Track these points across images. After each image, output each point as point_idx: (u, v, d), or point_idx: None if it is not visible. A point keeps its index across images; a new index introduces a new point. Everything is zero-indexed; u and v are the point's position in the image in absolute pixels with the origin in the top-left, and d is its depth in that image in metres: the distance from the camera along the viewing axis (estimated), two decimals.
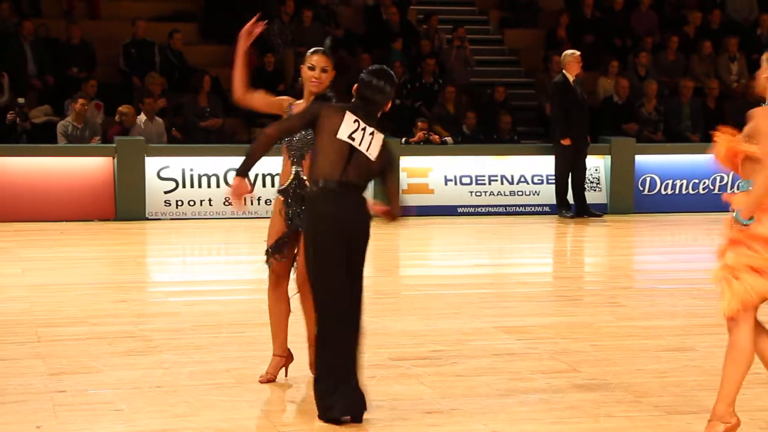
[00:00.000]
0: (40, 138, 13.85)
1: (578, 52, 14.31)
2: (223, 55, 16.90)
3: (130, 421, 5.32)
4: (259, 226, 13.10)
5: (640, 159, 14.99)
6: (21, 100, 14.27)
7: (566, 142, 14.07)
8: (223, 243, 12.13)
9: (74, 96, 13.95)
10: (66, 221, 12.67)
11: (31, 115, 14.41)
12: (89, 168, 13.25)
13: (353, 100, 5.56)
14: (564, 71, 14.21)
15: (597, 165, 14.93)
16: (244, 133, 15.21)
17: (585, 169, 14.34)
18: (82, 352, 6.63)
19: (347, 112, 5.48)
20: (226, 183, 13.70)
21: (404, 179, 14.34)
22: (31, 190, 13.06)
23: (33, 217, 12.85)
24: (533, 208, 14.61)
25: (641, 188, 15.02)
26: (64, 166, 13.20)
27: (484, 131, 15.63)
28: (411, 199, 14.30)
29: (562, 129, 14.09)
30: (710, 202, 15.04)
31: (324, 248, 5.31)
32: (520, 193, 14.68)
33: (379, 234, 12.88)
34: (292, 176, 6.06)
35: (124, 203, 13.12)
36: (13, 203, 12.96)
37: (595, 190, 14.89)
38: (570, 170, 14.23)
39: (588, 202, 14.51)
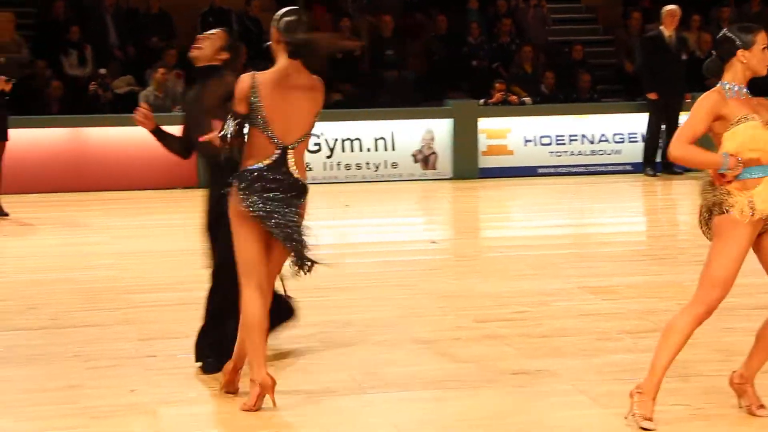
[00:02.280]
0: (122, 108, 14.03)
1: (674, 6, 14.06)
2: None
3: (219, 385, 5.40)
4: (338, 191, 13.19)
5: None
6: (103, 71, 14.47)
7: (652, 96, 13.86)
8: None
9: (155, 66, 14.10)
10: (149, 189, 12.86)
11: (113, 85, 14.61)
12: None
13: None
14: (661, 26, 14.03)
15: (681, 122, 14.69)
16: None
17: (677, 126, 14.12)
18: (170, 318, 6.74)
19: None
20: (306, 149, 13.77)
21: (483, 141, 14.28)
22: (115, 159, 13.26)
23: (117, 186, 13.06)
24: (615, 167, 14.45)
25: None
26: (146, 136, 13.34)
27: (563, 90, 15.47)
28: (490, 161, 14.25)
29: (648, 83, 13.91)
30: None
31: None
32: (601, 152, 14.52)
33: (459, 196, 12.97)
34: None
35: None
36: (98, 173, 13.18)
37: None
38: (660, 126, 14.01)
39: None
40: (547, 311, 6.87)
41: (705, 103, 4.66)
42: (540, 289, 7.52)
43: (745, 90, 4.76)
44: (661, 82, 13.82)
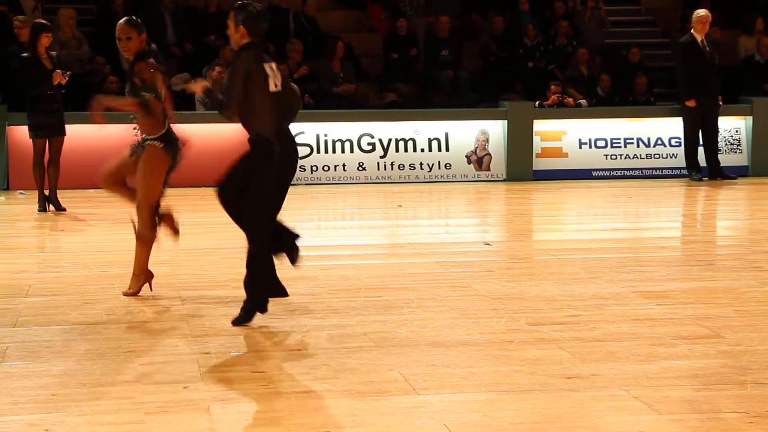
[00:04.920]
0: (180, 105, 14.14)
1: (705, 12, 13.95)
2: (356, 20, 17.00)
3: (272, 383, 5.42)
4: (391, 191, 13.19)
5: None
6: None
7: (691, 103, 13.77)
8: (357, 207, 12.23)
9: (212, 63, 14.19)
10: (203, 186, 12.93)
11: (171, 82, 14.72)
12: (225, 134, 13.50)
13: (245, 43, 6.38)
14: (692, 31, 13.90)
15: (737, 126, 14.53)
16: (376, 99, 15.28)
17: (717, 130, 13.98)
18: (224, 315, 6.77)
19: (264, 62, 6.32)
20: (360, 149, 13.83)
21: (538, 143, 14.22)
22: None
23: (173, 183, 13.13)
24: (670, 171, 14.33)
25: None
26: (202, 133, 13.47)
27: (619, 93, 15.36)
28: (545, 163, 14.18)
29: (687, 90, 13.79)
30: None
31: (276, 184, 6.45)
32: (656, 155, 14.40)
33: (513, 198, 12.92)
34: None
35: None
36: None
37: (735, 152, 14.51)
38: (699, 132, 13.91)
39: (728, 164, 14.15)
40: (601, 315, 6.82)
41: None
42: (594, 292, 7.47)
43: None
44: (697, 88, 13.70)
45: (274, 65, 6.51)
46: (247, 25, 6.40)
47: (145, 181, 7.20)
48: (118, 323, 6.66)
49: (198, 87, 6.55)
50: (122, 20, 7.23)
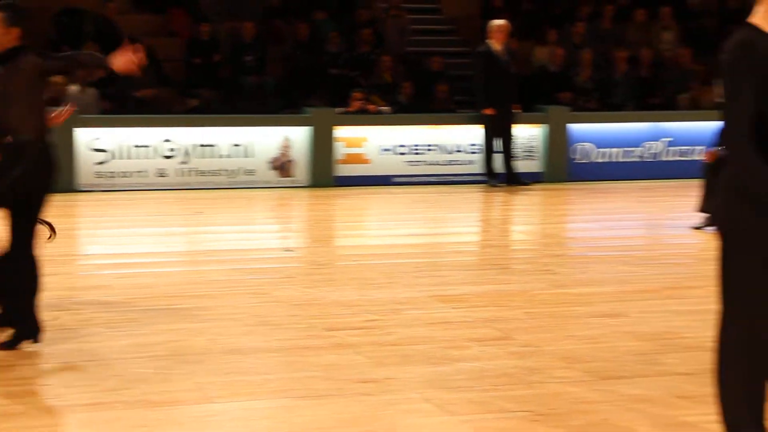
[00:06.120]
0: None
1: (502, 22, 14.37)
2: (157, 24, 16.73)
3: (58, 396, 5.26)
4: (192, 198, 13.03)
5: (575, 128, 15.11)
6: None
7: (488, 111, 14.18)
8: (156, 215, 12.02)
9: None
10: None
11: None
12: None
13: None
14: (489, 40, 14.31)
15: (532, 134, 15.01)
16: (178, 104, 15.07)
17: (511, 138, 14.43)
18: None
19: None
20: (160, 155, 13.61)
21: (340, 149, 14.32)
22: None
23: None
24: (470, 177, 14.67)
25: (576, 157, 15.14)
26: None
27: (421, 101, 15.64)
28: (347, 169, 14.29)
29: (484, 98, 14.20)
30: (643, 170, 15.25)
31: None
32: (456, 162, 14.72)
33: (315, 204, 12.97)
34: None
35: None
36: None
37: (531, 159, 14.99)
38: (495, 139, 14.33)
39: (523, 170, 14.61)
40: (397, 320, 6.91)
41: None
42: (392, 297, 7.57)
43: None
44: (494, 98, 14.12)
45: None
46: (23, 26, 6.06)
47: None
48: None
49: None
50: None
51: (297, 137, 14.18)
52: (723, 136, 3.96)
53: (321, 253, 9.71)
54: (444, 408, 5.10)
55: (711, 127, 11.88)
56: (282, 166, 14.14)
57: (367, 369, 5.75)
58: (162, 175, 13.67)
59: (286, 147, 14.14)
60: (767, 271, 3.91)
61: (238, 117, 14.29)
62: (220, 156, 13.90)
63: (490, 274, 8.61)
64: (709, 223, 10.10)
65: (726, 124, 3.93)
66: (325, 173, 14.16)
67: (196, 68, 15.45)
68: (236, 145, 13.97)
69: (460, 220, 12.19)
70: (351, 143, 14.39)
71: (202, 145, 13.85)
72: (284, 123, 14.31)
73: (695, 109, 15.88)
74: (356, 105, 14.73)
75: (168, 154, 13.72)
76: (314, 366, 5.79)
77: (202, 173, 13.83)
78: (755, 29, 3.96)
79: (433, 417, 5.00)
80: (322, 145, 14.15)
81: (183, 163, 13.77)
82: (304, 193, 13.78)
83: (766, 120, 3.90)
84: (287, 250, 9.72)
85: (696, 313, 6.93)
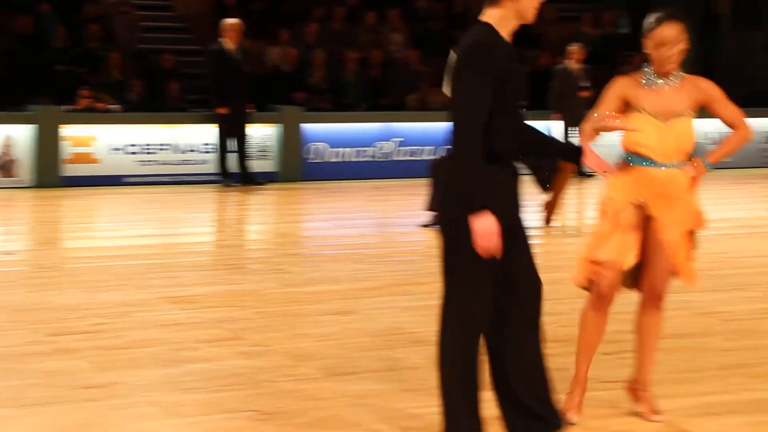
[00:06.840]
0: None
1: (235, 21, 14.33)
2: None
3: None
4: None
5: (309, 128, 15.22)
6: None
7: (221, 110, 14.10)
8: None
9: None
10: None
11: None
12: None
13: None
14: (222, 39, 14.23)
15: (266, 133, 15.02)
16: None
17: (245, 137, 14.40)
18: None
19: None
20: None
21: (67, 148, 13.83)
22: None
23: None
24: (204, 177, 14.51)
25: (309, 156, 15.26)
26: None
27: (153, 99, 15.33)
28: (75, 169, 13.82)
29: (217, 97, 14.12)
30: (375, 170, 15.55)
31: None
32: (189, 162, 14.53)
33: (41, 205, 12.47)
34: None
35: None
36: None
37: (265, 159, 15.00)
38: (229, 139, 14.26)
39: (257, 170, 14.59)
40: (126, 322, 6.72)
41: None
42: (122, 300, 7.36)
43: None
44: (228, 96, 14.07)
45: None
46: None
47: None
48: None
49: None
50: None
51: (20, 136, 13.59)
52: (450, 134, 4.01)
53: (46, 256, 9.34)
54: (170, 410, 4.98)
55: (440, 127, 12.26)
56: (4, 165, 13.51)
57: (92, 374, 5.55)
58: None
59: (8, 146, 13.53)
60: (478, 265, 4.02)
61: None
62: None
63: (222, 275, 8.53)
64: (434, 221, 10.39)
65: (455, 122, 3.98)
66: (50, 173, 13.64)
67: None
68: None
69: (194, 220, 12.03)
70: (78, 142, 13.93)
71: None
72: (6, 121, 13.69)
73: (423, 109, 16.35)
74: (84, 103, 14.28)
75: None
76: (35, 373, 5.53)
77: None
78: (494, 31, 4.03)
79: (159, 420, 4.87)
80: (47, 144, 13.63)
81: None
82: (29, 193, 13.22)
83: (495, 119, 4.00)
84: (7, 253, 9.27)
85: (423, 308, 7.09)
